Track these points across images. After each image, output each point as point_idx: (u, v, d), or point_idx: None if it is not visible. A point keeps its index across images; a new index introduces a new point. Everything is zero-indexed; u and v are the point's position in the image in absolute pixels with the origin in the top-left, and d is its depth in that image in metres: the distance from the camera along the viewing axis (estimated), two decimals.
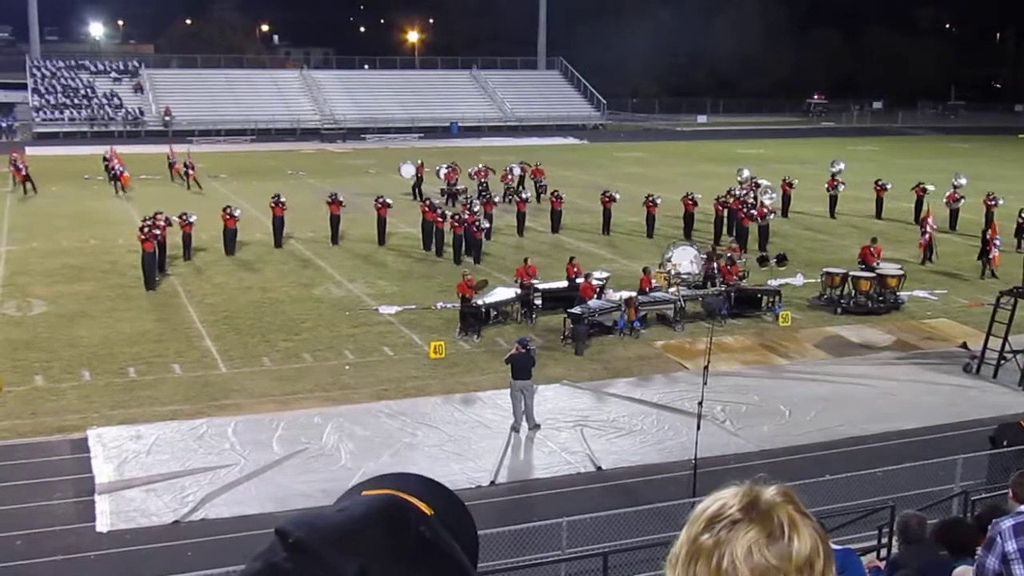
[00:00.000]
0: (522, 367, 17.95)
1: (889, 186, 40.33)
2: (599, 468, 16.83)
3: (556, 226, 36.73)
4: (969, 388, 20.84)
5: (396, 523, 1.29)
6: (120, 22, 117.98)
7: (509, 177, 42.40)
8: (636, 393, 20.36)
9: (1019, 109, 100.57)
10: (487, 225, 33.60)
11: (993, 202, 36.14)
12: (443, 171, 43.08)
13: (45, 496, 15.51)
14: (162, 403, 19.33)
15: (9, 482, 15.89)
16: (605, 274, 26.81)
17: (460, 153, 54.50)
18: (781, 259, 31.34)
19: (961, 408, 19.65)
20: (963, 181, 38.74)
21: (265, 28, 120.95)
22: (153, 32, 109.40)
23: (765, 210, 34.94)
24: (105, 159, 47.78)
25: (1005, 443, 15.85)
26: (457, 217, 32.06)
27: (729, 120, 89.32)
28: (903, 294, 27.19)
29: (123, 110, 73.80)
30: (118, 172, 45.35)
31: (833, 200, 40.30)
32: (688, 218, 35.56)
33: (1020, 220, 33.88)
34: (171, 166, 48.61)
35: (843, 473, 14.87)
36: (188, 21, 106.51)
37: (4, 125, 71.27)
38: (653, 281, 25.53)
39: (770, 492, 1.53)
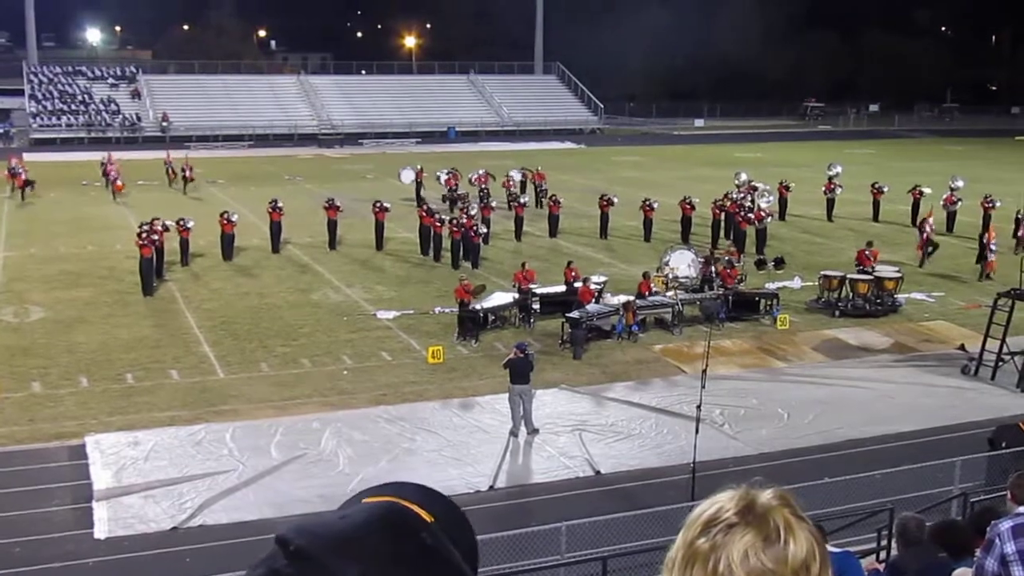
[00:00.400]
0: (520, 372, 17.94)
1: (886, 189, 40.37)
2: (598, 472, 16.83)
3: (554, 230, 36.74)
4: (967, 390, 20.85)
5: (397, 530, 1.30)
6: (117, 28, 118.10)
7: (510, 183, 42.42)
8: (635, 397, 20.36)
9: (1015, 111, 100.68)
10: (485, 230, 33.61)
11: (991, 204, 36.16)
12: (444, 177, 43.11)
13: (43, 503, 15.49)
14: (160, 409, 19.32)
15: (7, 489, 15.87)
16: (603, 278, 26.82)
17: (458, 158, 54.51)
18: (779, 262, 31.36)
19: (959, 410, 19.67)
20: (960, 184, 38.80)
21: (262, 34, 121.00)
22: (150, 38, 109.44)
23: (762, 213, 34.97)
24: (103, 164, 47.83)
25: (1003, 445, 15.86)
26: (455, 222, 32.06)
27: (726, 124, 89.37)
28: (901, 296, 27.20)
29: (120, 116, 73.80)
30: (112, 179, 45.38)
31: (830, 203, 40.36)
32: (686, 222, 35.58)
33: (1020, 216, 33.89)
34: (169, 170, 48.51)
35: (842, 476, 14.88)
36: (185, 27, 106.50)
37: (1, 131, 71.28)
38: (652, 286, 25.57)
39: (766, 496, 1.53)
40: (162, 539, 14.40)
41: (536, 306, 25.10)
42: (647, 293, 25.25)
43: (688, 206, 35.66)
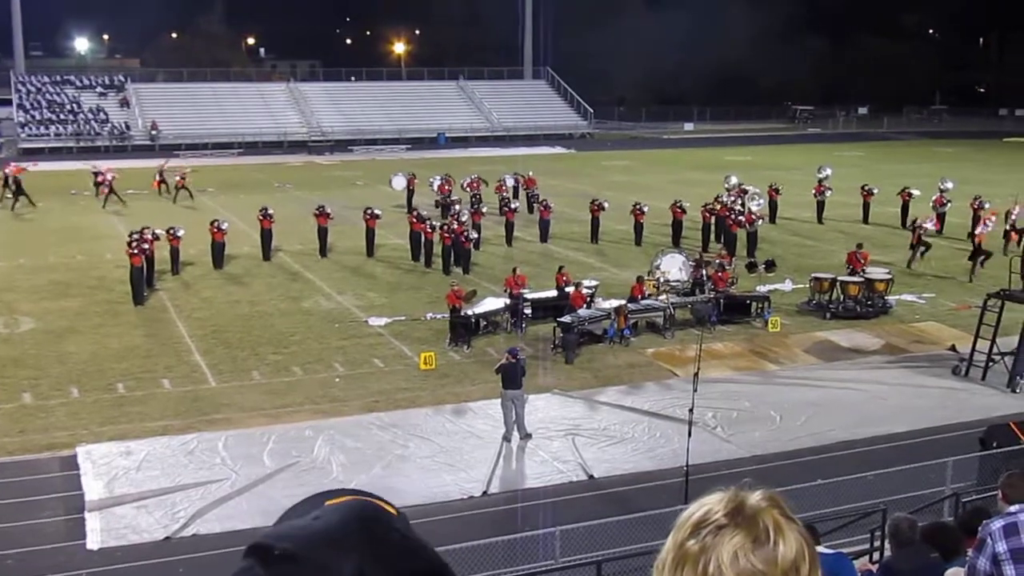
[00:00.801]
0: (512, 377, 17.95)
1: (876, 191, 40.53)
2: (591, 477, 16.84)
3: (545, 235, 36.75)
4: (958, 391, 20.91)
5: (376, 524, 1.31)
6: (105, 36, 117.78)
7: (503, 188, 42.42)
8: (627, 401, 20.37)
9: (1003, 113, 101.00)
10: (476, 235, 33.62)
11: (980, 206, 36.27)
12: (436, 183, 43.12)
13: (35, 514, 15.44)
14: (152, 419, 19.27)
15: None
16: (594, 282, 26.84)
17: (448, 164, 54.53)
18: (769, 265, 31.39)
19: (950, 411, 19.72)
20: (949, 185, 38.94)
21: (251, 41, 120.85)
22: (139, 46, 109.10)
23: (753, 216, 35.03)
24: (94, 174, 47.63)
25: (995, 445, 15.93)
26: (446, 228, 32.06)
27: (716, 127, 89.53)
28: (891, 298, 27.28)
29: (109, 125, 73.62)
30: (99, 182, 45.37)
31: (820, 206, 40.46)
32: (676, 226, 35.62)
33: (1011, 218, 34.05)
34: (161, 181, 48.28)
35: (834, 477, 14.91)
36: (174, 35, 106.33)
37: None
38: (645, 289, 25.60)
39: (755, 497, 1.54)
40: (155, 549, 14.36)
41: (528, 311, 25.10)
42: (640, 297, 25.28)
43: (679, 210, 35.70)
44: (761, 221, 35.95)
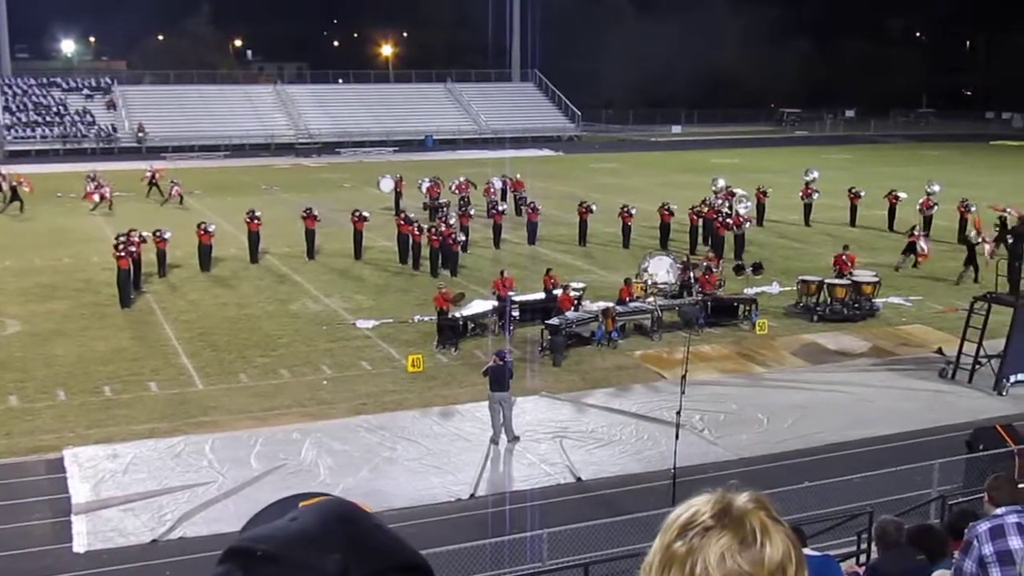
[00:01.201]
0: (500, 379, 17.95)
1: (863, 194, 40.65)
2: (579, 479, 16.85)
3: (532, 238, 36.77)
4: (945, 393, 20.99)
5: (354, 522, 1.31)
6: (91, 39, 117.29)
7: (491, 191, 42.42)
8: (615, 403, 20.39)
9: (990, 116, 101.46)
10: (463, 238, 33.61)
11: (967, 208, 36.39)
12: (425, 185, 43.09)
13: (22, 517, 15.38)
14: (139, 421, 19.21)
15: None
16: (582, 285, 26.86)
17: (436, 166, 54.52)
18: (757, 268, 31.42)
19: (937, 413, 19.78)
20: (936, 188, 39.07)
21: (238, 43, 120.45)
22: (125, 48, 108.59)
23: (740, 219, 35.10)
24: (89, 178, 47.30)
25: (981, 447, 15.99)
26: (433, 230, 32.05)
27: (703, 130, 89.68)
28: (878, 301, 27.36)
29: (96, 127, 73.41)
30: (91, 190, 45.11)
31: (807, 208, 40.57)
32: (664, 228, 35.68)
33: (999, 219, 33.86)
34: (153, 184, 48.06)
35: (821, 480, 14.94)
36: (160, 37, 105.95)
37: None
38: (632, 292, 25.62)
39: (742, 499, 1.55)
40: (142, 552, 14.32)
41: (516, 313, 25.11)
42: (628, 299, 25.31)
43: (666, 212, 35.76)
44: (748, 224, 36.02)
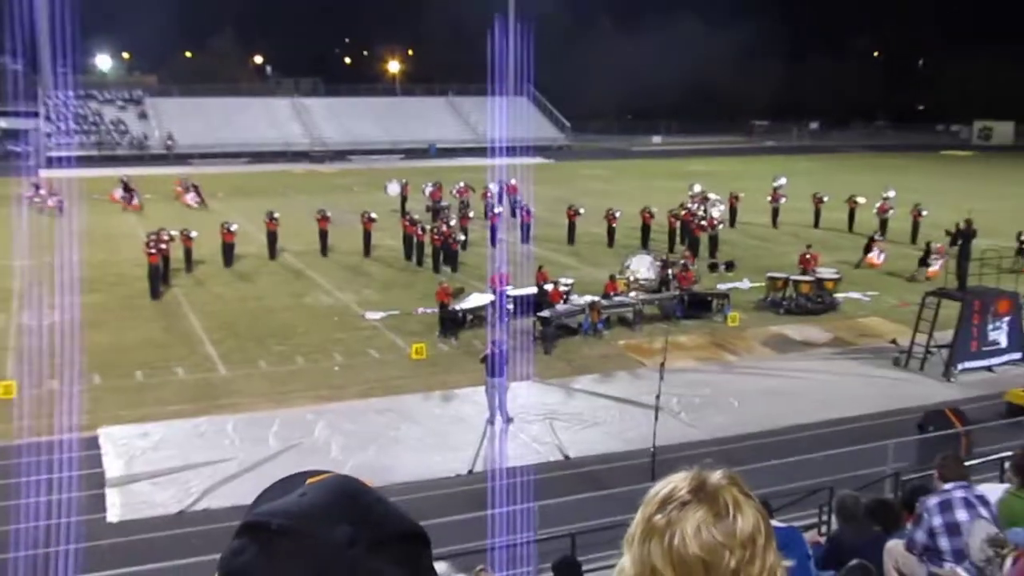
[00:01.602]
0: (496, 366, 17.97)
1: (826, 198, 40.66)
2: (567, 457, 16.86)
3: (526, 237, 36.74)
4: (899, 380, 21.03)
5: (360, 496, 1.30)
6: (125, 55, 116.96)
7: (488, 195, 42.35)
8: (600, 388, 20.41)
9: (940, 128, 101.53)
10: (463, 238, 33.60)
11: (919, 213, 36.39)
12: (428, 189, 43.07)
13: (60, 490, 15.36)
14: (167, 403, 19.21)
15: (28, 477, 15.69)
16: (571, 280, 26.84)
17: (438, 172, 54.38)
18: (729, 265, 31.51)
19: (892, 398, 19.82)
20: (892, 194, 39.02)
21: (259, 60, 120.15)
22: (156, 64, 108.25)
23: (714, 221, 35.10)
24: (122, 181, 47.20)
25: (931, 429, 16.07)
26: (436, 231, 32.06)
27: (682, 140, 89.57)
28: (839, 296, 27.40)
29: (128, 135, 73.25)
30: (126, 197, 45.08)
31: (775, 211, 40.57)
32: (645, 229, 35.70)
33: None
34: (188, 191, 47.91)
35: (787, 458, 14.96)
36: (188, 54, 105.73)
37: (20, 150, 70.49)
38: (616, 287, 25.65)
39: (716, 476, 1.55)
40: (169, 522, 14.34)
41: (510, 306, 25.10)
42: (612, 293, 25.34)
43: (648, 215, 35.78)
44: (721, 225, 36.04)
